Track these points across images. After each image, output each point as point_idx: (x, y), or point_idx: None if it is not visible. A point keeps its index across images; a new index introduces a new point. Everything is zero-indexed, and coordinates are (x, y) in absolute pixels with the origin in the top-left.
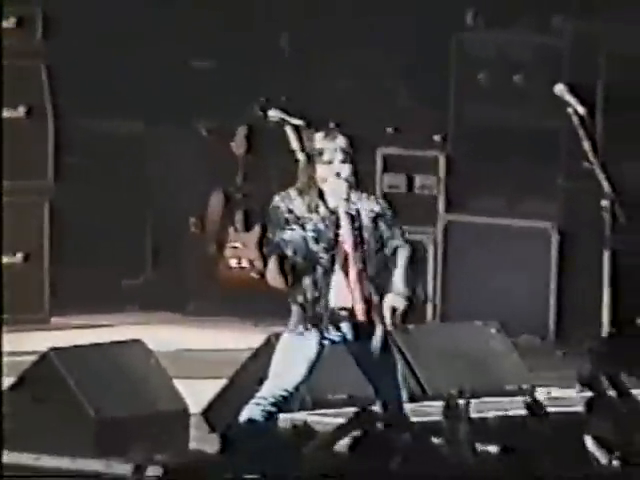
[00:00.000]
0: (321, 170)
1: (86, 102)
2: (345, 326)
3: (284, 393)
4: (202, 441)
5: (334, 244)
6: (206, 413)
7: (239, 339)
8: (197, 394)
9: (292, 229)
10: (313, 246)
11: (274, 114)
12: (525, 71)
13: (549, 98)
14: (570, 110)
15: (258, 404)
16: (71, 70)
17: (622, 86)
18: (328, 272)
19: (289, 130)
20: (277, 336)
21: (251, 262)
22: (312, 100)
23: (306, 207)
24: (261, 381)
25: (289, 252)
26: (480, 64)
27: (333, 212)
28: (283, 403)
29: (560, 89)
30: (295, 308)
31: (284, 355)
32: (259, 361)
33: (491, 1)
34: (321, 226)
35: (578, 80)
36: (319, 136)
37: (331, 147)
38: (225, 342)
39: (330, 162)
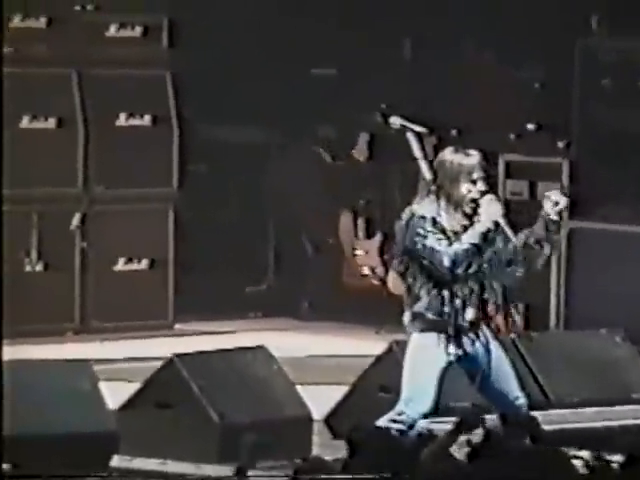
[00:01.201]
0: (466, 188)
1: (209, 110)
2: (466, 341)
3: (417, 416)
4: (325, 447)
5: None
6: (329, 419)
7: (361, 346)
8: (320, 400)
9: (443, 239)
10: (460, 260)
11: (395, 121)
12: None
13: None
14: None
15: (394, 425)
16: (195, 78)
17: None
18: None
19: (411, 137)
20: (398, 343)
21: (372, 269)
22: (434, 107)
23: (456, 223)
24: (382, 388)
25: (433, 261)
26: (604, 70)
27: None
28: (416, 423)
29: None
30: (419, 317)
31: (416, 370)
32: (381, 368)
33: (615, 7)
34: (466, 246)
35: None
36: (453, 151)
37: (477, 166)
38: (347, 348)
39: (476, 181)
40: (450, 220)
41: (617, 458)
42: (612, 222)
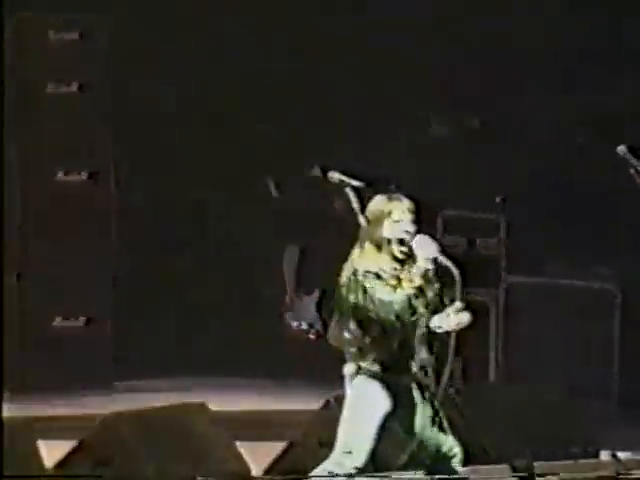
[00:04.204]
0: (388, 229)
1: (147, 162)
2: (414, 388)
3: (353, 470)
4: None
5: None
6: (268, 475)
7: (300, 401)
8: (259, 456)
9: (391, 288)
10: (408, 307)
11: (334, 175)
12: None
13: (611, 158)
14: (632, 171)
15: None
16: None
17: None
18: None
19: (349, 192)
20: (337, 398)
21: (310, 324)
22: (371, 162)
23: (396, 269)
24: (321, 443)
25: (381, 314)
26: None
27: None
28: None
29: (622, 149)
30: (363, 368)
31: (356, 420)
32: (319, 423)
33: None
34: (410, 291)
35: None
36: (381, 198)
37: (400, 207)
38: (286, 404)
39: (398, 221)
40: (390, 268)
41: None
42: (548, 277)
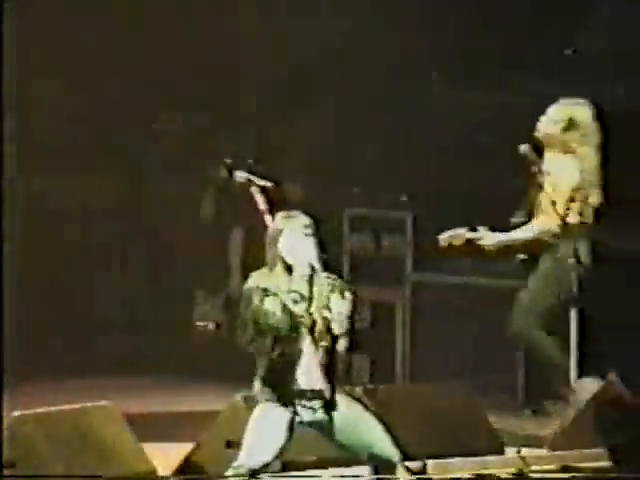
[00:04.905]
0: (284, 243)
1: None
2: (315, 404)
3: (260, 464)
4: None
5: (300, 321)
6: (175, 476)
7: (206, 401)
8: (165, 457)
9: (270, 297)
10: (286, 316)
11: (241, 175)
12: (489, 130)
13: (514, 157)
14: (535, 169)
15: (237, 470)
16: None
17: None
18: (295, 350)
19: (255, 191)
20: (245, 399)
21: (218, 324)
22: (278, 160)
23: (277, 280)
24: (228, 444)
25: (267, 321)
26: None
27: (295, 290)
28: (259, 472)
29: (524, 149)
30: (260, 383)
31: (258, 428)
32: (226, 424)
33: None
34: (290, 300)
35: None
36: (280, 216)
37: (293, 225)
38: (193, 404)
39: (295, 235)
40: (271, 281)
41: None
42: (452, 274)
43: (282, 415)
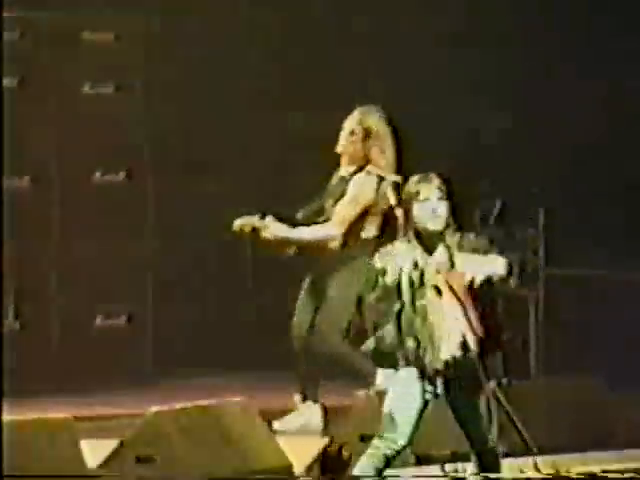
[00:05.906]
0: (417, 208)
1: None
2: (439, 381)
3: (397, 447)
4: None
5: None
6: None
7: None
8: (302, 453)
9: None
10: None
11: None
12: None
13: None
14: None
15: (372, 456)
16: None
17: None
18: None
19: (388, 188)
20: (377, 392)
21: None
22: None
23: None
24: (362, 438)
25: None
26: None
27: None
28: (394, 458)
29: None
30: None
31: (394, 406)
32: (359, 418)
33: None
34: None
35: None
36: (414, 180)
37: (427, 187)
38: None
39: (426, 200)
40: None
41: None
42: (588, 268)
43: (415, 396)
